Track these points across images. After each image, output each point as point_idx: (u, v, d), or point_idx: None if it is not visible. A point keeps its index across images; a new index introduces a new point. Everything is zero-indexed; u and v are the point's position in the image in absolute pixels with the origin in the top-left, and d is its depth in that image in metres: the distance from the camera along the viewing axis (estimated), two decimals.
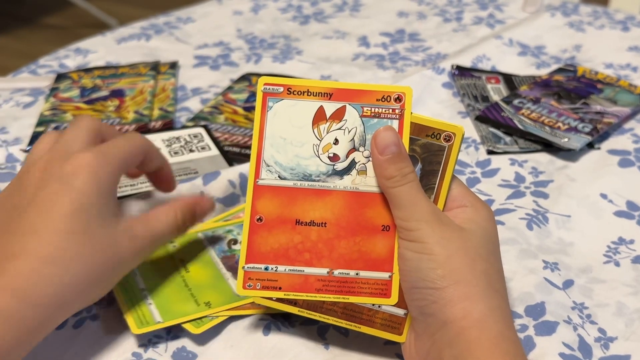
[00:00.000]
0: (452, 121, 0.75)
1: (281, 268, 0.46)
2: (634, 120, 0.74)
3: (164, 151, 0.64)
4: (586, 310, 0.51)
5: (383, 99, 0.45)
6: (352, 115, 0.45)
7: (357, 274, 0.45)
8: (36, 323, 0.42)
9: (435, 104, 0.78)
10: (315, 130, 0.46)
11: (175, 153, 0.64)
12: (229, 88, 0.80)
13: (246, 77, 0.82)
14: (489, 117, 0.73)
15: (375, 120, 0.45)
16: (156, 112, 0.74)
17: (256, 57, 0.89)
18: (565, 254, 0.56)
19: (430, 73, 0.81)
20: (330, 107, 0.45)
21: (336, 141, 0.45)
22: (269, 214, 0.46)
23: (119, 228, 0.46)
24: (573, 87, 0.77)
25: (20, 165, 0.66)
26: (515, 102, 0.75)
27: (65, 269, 0.43)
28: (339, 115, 0.45)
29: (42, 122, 0.71)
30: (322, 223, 0.45)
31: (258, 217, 0.46)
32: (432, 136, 0.45)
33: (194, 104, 0.77)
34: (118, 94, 0.76)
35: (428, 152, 0.45)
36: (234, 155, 0.67)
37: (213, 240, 0.56)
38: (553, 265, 0.55)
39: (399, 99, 0.45)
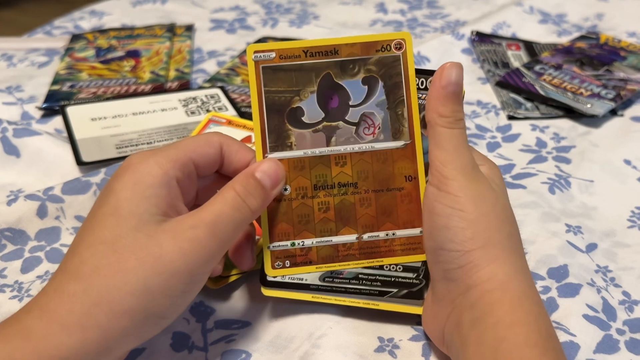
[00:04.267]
0: (472, 87, 0.74)
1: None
2: None
3: (180, 111, 0.64)
4: (610, 273, 0.50)
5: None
6: None
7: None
8: (73, 348, 0.35)
9: None
10: None
11: (192, 113, 0.64)
12: (246, 51, 0.79)
13: (263, 41, 0.81)
14: (509, 82, 0.72)
15: None
16: (172, 73, 0.73)
17: (272, 21, 0.87)
18: (588, 218, 0.55)
19: (449, 39, 0.80)
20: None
21: None
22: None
23: (161, 228, 0.37)
24: (596, 54, 0.76)
25: (35, 123, 0.65)
26: (537, 68, 0.74)
27: (87, 283, 0.36)
28: None
29: (58, 80, 0.71)
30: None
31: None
32: (383, 49, 0.43)
33: (210, 66, 0.77)
34: (134, 54, 0.75)
35: (385, 67, 0.44)
36: (251, 116, 0.66)
37: None
38: (576, 229, 0.54)
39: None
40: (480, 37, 0.81)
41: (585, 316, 0.46)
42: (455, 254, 0.40)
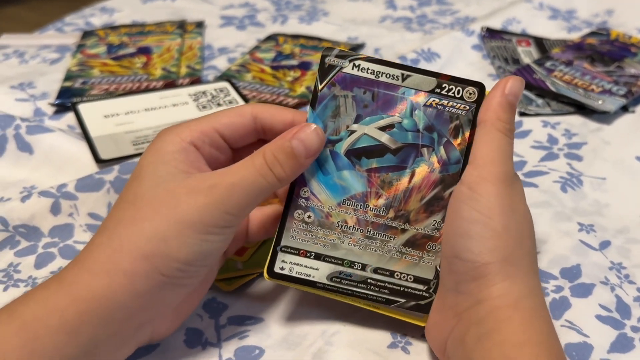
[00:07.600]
0: (484, 84, 0.73)
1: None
2: None
3: (192, 105, 0.64)
4: (624, 270, 0.50)
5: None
6: None
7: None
8: (101, 290, 0.37)
9: (465, 66, 0.77)
10: None
11: (204, 107, 0.64)
12: (256, 47, 0.79)
13: (273, 37, 0.81)
14: None
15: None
16: (183, 70, 0.73)
17: (282, 18, 0.87)
18: (601, 216, 0.55)
19: (459, 35, 0.80)
20: None
21: None
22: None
23: (181, 184, 0.38)
24: (606, 50, 0.76)
25: (48, 119, 0.66)
26: (548, 64, 0.73)
27: (110, 234, 0.38)
28: None
29: (70, 77, 0.71)
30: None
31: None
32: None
33: (221, 63, 0.77)
34: (145, 51, 0.76)
35: None
36: None
37: None
38: (589, 227, 0.53)
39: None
40: (491, 33, 0.81)
41: (598, 317, 0.46)
42: (471, 265, 0.39)
